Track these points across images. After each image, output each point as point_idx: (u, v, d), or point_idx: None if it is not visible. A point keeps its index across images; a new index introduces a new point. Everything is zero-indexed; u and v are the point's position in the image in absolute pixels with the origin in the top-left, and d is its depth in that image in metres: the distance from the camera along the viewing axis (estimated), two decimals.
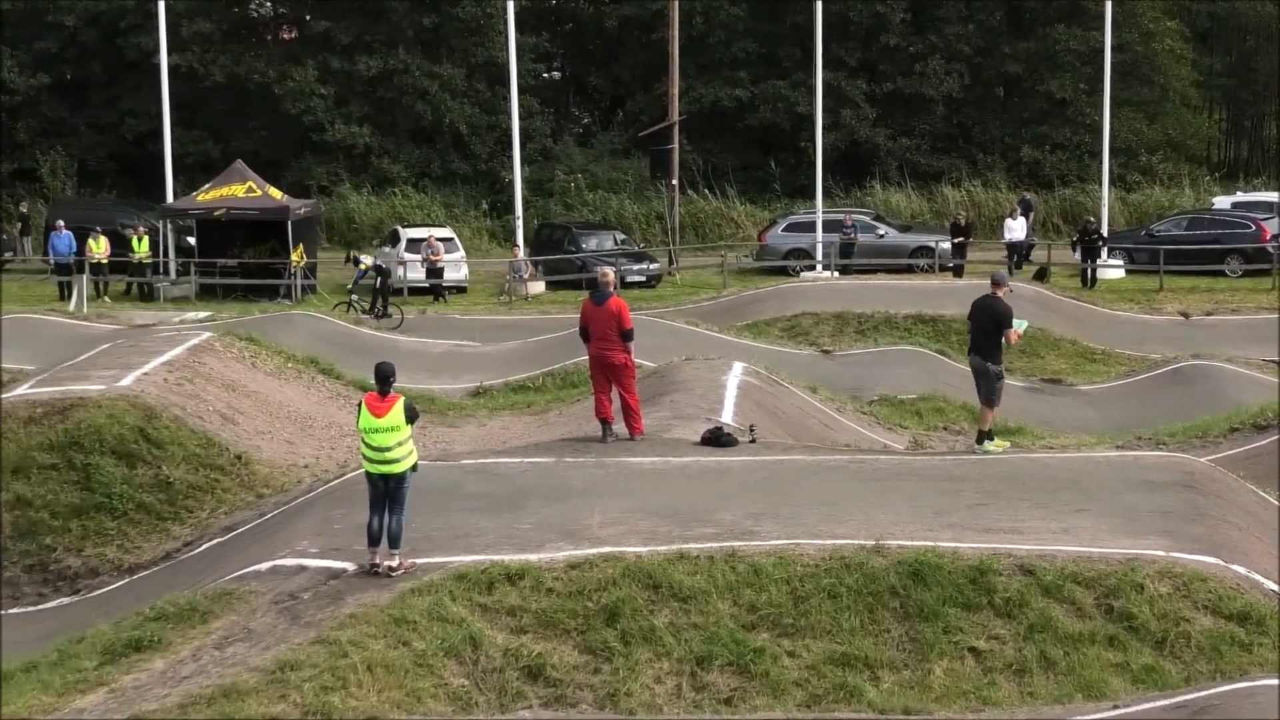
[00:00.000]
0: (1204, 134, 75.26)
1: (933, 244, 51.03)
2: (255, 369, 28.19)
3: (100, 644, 15.24)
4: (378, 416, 15.59)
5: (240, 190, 47.87)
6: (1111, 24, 53.20)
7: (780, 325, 38.21)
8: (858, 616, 14.69)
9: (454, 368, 34.09)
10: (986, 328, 20.92)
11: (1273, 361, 32.61)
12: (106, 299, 46.34)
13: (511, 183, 52.95)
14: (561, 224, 54.90)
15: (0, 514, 21.67)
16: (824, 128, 55.02)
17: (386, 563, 15.52)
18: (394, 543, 15.58)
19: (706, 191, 61.38)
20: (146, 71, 55.34)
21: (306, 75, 61.35)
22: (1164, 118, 68.67)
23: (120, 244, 46.91)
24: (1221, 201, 56.31)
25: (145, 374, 25.25)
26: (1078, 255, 49.49)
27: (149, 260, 47.48)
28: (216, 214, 47.33)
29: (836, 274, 48.70)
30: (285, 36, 68.00)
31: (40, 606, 20.39)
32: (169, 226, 48.72)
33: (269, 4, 68.69)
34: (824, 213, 52.89)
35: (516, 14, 52.45)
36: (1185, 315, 41.47)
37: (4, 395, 24.40)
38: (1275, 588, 15.18)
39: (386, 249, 49.92)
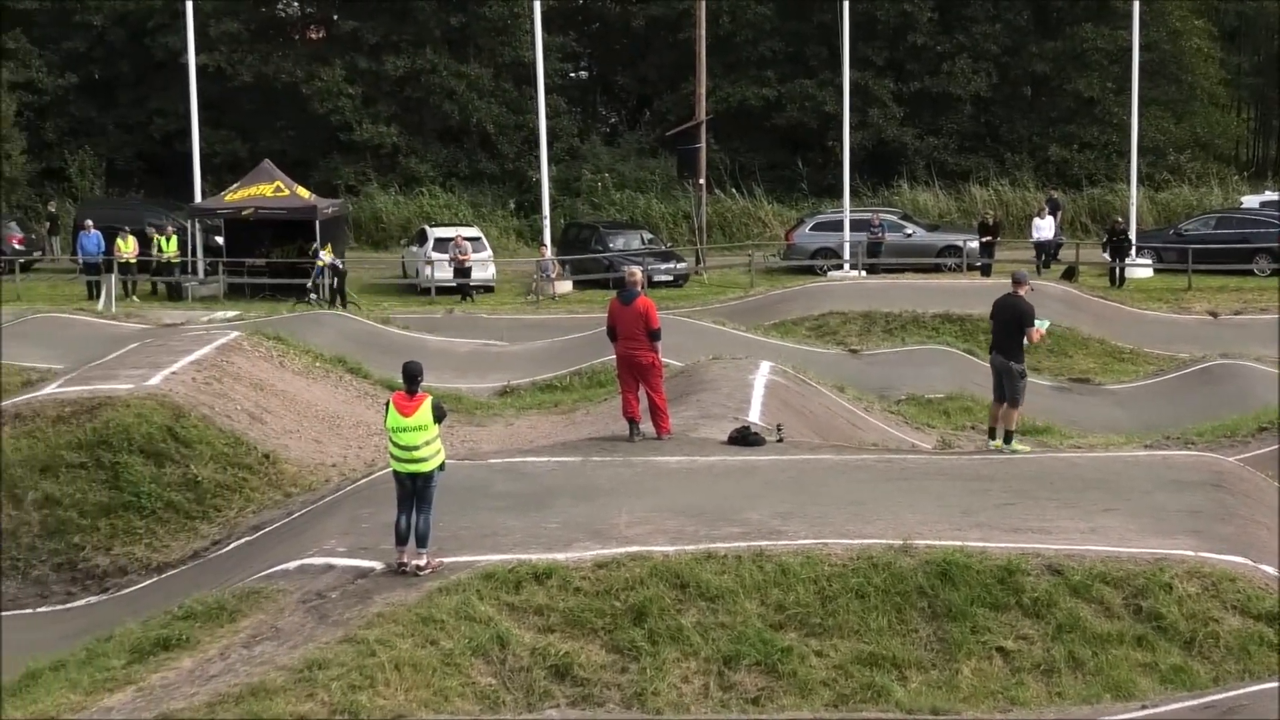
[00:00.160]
0: (1232, 133, 74.82)
1: (960, 243, 50.92)
2: (283, 368, 28.23)
3: (128, 642, 15.27)
4: (405, 415, 15.60)
5: (268, 190, 47.98)
6: (1139, 23, 52.99)
7: (807, 325, 38.16)
8: (885, 616, 14.67)
9: (481, 367, 34.11)
10: (1009, 326, 20.86)
11: None
12: (135, 298, 46.50)
13: (538, 182, 53.04)
14: (589, 223, 55.03)
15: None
16: (851, 127, 55.05)
17: (414, 562, 15.52)
18: (421, 542, 15.58)
19: (734, 191, 61.30)
20: (174, 71, 55.64)
21: (334, 75, 61.53)
22: (1192, 117, 68.30)
23: (145, 243, 47.02)
24: (1250, 200, 56.14)
25: (173, 373, 25.32)
26: (1107, 255, 49.40)
27: (177, 260, 47.67)
28: (244, 213, 47.43)
29: (864, 273, 48.71)
30: (313, 36, 68.20)
31: (69, 605, 20.45)
32: (197, 226, 48.89)
33: (296, 4, 68.86)
34: (851, 212, 52.96)
35: (543, 13, 52.51)
36: (1214, 314, 41.31)
37: (34, 394, 24.53)
38: None
39: (414, 248, 50.07)
